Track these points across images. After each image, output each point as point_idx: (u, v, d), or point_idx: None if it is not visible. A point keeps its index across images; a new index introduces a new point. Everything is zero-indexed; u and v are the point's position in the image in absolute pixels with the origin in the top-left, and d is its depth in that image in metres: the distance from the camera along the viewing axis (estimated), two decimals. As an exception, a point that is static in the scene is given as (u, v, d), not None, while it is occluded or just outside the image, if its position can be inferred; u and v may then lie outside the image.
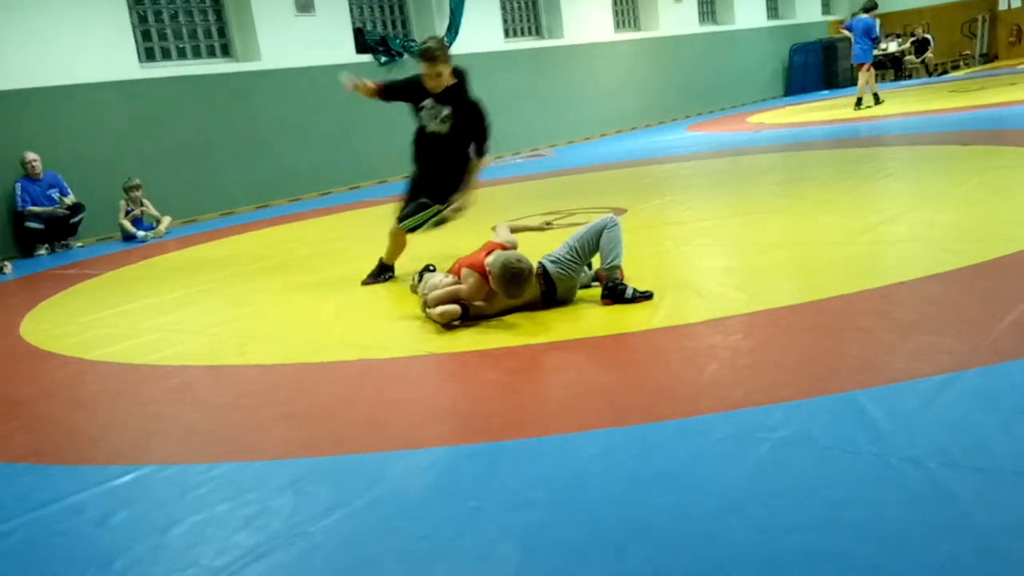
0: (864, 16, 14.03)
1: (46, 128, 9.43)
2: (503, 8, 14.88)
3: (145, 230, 9.54)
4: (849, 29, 14.25)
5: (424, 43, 5.19)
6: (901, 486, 2.09)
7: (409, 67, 13.08)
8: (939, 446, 2.25)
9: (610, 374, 3.27)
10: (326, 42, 12.05)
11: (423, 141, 5.37)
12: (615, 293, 4.08)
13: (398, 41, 13.08)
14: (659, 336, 3.59)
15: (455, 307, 4.03)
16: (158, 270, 7.37)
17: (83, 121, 9.73)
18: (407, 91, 5.36)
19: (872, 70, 13.93)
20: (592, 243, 4.19)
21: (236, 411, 3.38)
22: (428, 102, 5.23)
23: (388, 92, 5.41)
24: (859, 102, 13.53)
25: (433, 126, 5.25)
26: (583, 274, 4.32)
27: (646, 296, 4.07)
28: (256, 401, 3.47)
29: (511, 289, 3.98)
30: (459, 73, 5.32)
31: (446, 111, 5.19)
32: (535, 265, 4.09)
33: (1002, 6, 22.10)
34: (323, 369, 3.77)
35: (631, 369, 3.30)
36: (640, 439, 2.59)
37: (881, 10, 23.34)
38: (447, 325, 4.01)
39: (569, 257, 4.15)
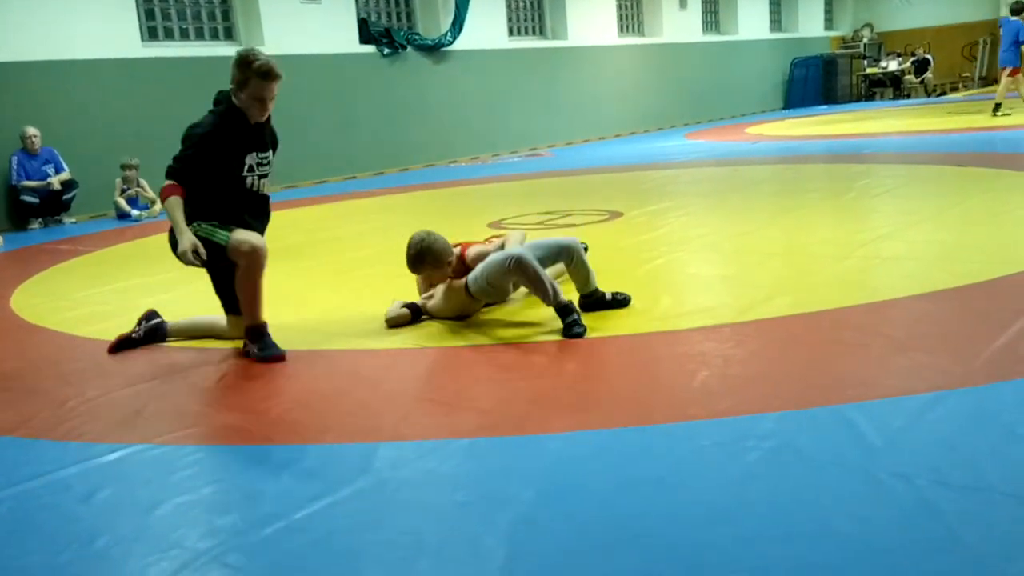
0: (1014, 19, 13.01)
1: (44, 102, 9.38)
2: (508, 6, 14.88)
3: (140, 210, 9.49)
4: (1002, 27, 13.27)
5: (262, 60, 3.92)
6: (890, 501, 2.09)
7: (411, 60, 13.09)
8: (929, 463, 2.26)
9: (601, 376, 3.27)
10: (330, 31, 12.03)
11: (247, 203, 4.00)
12: (593, 301, 4.00)
13: (402, 33, 13.06)
14: (652, 341, 3.60)
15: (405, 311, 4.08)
16: (151, 249, 7.32)
17: (82, 97, 9.68)
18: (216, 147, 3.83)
19: (1018, 76, 12.97)
20: (549, 258, 4.01)
21: (226, 393, 3.37)
22: (253, 155, 3.94)
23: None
24: (997, 107, 12.92)
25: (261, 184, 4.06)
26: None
27: (625, 299, 4.04)
28: (246, 384, 3.46)
29: (410, 265, 4.09)
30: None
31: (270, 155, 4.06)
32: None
33: (1004, 31, 22.20)
34: (314, 356, 3.76)
35: (622, 372, 3.30)
36: (630, 442, 2.59)
37: (883, 29, 23.56)
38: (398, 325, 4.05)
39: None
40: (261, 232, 4.00)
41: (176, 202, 3.74)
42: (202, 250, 3.67)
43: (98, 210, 9.67)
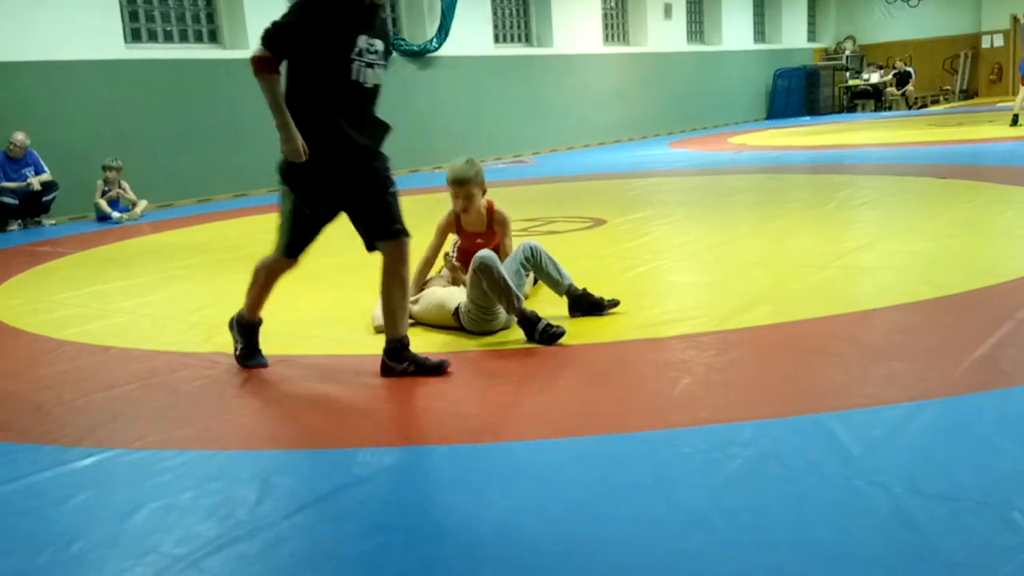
0: None
1: (25, 103, 9.31)
2: (494, 13, 14.91)
3: (121, 212, 9.42)
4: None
5: None
6: (867, 510, 2.10)
7: (396, 65, 13.01)
8: (906, 472, 2.27)
9: (583, 383, 3.27)
10: (315, 35, 11.99)
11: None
12: (584, 303, 4.04)
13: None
14: (633, 348, 3.60)
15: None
16: (131, 252, 7.29)
17: (63, 98, 9.62)
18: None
19: None
20: (514, 274, 3.93)
21: (205, 398, 3.35)
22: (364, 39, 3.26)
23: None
24: (1015, 119, 12.90)
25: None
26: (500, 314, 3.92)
27: (614, 304, 4.07)
28: (225, 390, 3.43)
29: (457, 174, 4.22)
30: None
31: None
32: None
33: (985, 44, 22.48)
34: (295, 362, 3.74)
35: (604, 379, 3.31)
36: (610, 449, 2.60)
37: (866, 41, 23.78)
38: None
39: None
40: (371, 146, 3.36)
41: (275, 81, 3.15)
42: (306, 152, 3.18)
43: (77, 212, 9.60)
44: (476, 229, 4.34)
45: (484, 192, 4.31)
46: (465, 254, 4.22)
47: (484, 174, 4.30)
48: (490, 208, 4.35)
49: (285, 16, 3.21)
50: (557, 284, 4.07)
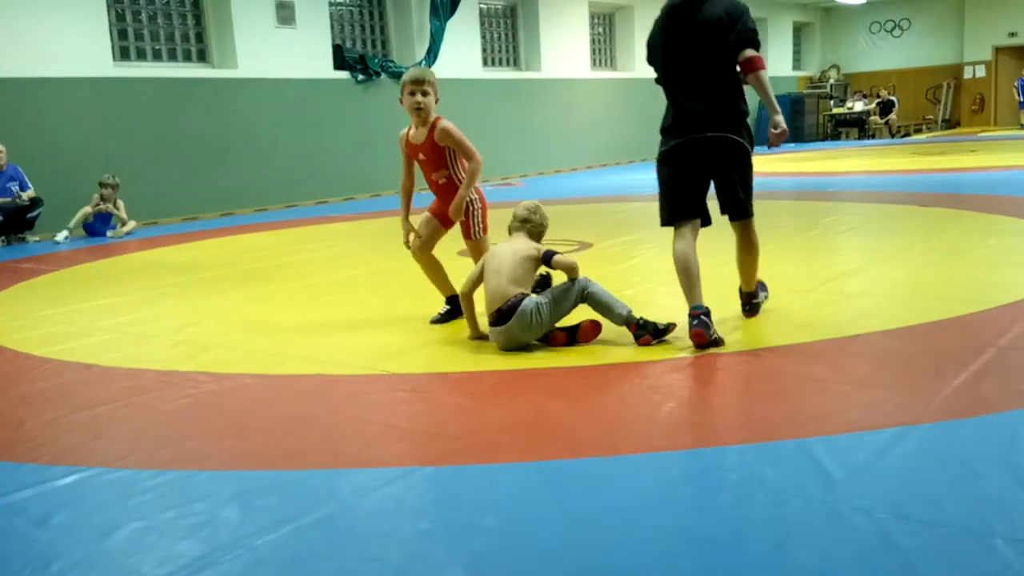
0: None
1: (12, 119, 9.28)
2: (483, 37, 15.01)
3: (109, 229, 9.39)
4: None
5: None
6: (850, 535, 2.11)
7: (385, 87, 13.12)
8: (889, 498, 2.28)
9: (568, 406, 3.27)
10: (304, 56, 12.04)
11: None
12: (648, 329, 3.90)
13: (376, 60, 13.11)
14: (619, 371, 3.61)
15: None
16: (117, 270, 7.25)
17: (51, 115, 9.60)
18: None
19: None
20: (569, 303, 3.96)
21: (187, 418, 3.33)
22: None
23: None
24: None
25: None
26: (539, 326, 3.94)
27: (672, 327, 3.95)
28: (208, 410, 3.41)
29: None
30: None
31: None
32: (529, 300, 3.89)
33: (967, 74, 22.79)
34: (279, 381, 3.73)
35: (589, 402, 3.31)
36: (594, 472, 2.59)
37: (850, 70, 24.06)
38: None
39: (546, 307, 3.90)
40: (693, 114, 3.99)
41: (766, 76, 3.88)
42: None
43: (62, 229, 9.53)
44: (417, 141, 4.34)
45: (437, 101, 4.36)
46: (409, 161, 4.49)
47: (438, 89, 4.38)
48: (435, 122, 4.32)
49: (752, 21, 3.85)
50: (615, 315, 3.94)
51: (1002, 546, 2.00)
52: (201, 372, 3.87)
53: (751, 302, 4.32)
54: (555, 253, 4.02)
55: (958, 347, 3.62)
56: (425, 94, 4.29)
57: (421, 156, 4.35)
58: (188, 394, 3.58)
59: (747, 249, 4.19)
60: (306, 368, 3.87)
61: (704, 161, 3.97)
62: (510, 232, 4.24)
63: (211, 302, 5.56)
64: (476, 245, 4.49)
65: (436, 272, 4.64)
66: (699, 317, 3.77)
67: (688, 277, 3.93)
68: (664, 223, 4.14)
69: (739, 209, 4.11)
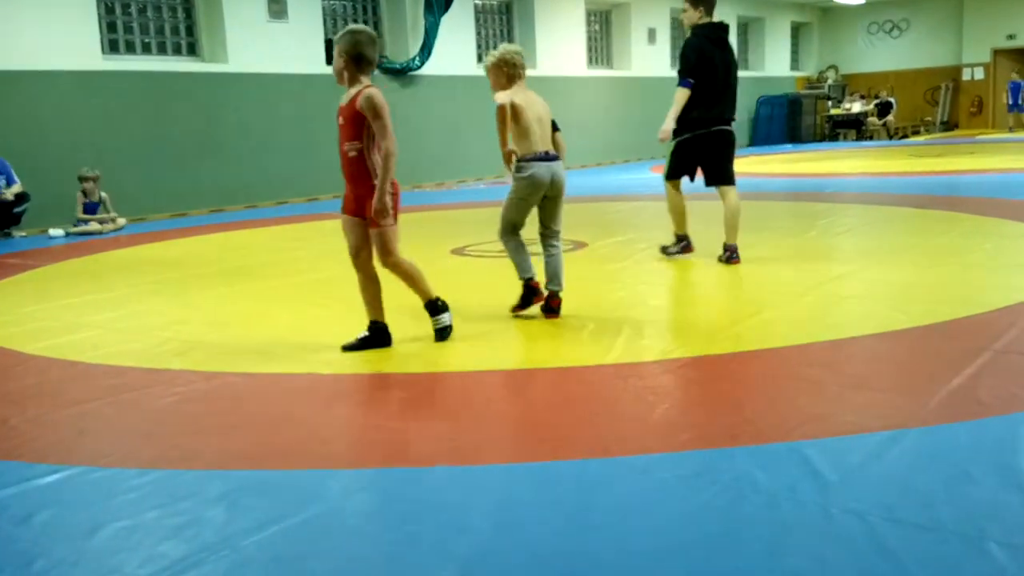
0: None
1: (-2, 112, 9.20)
2: (478, 33, 14.98)
3: (101, 224, 9.28)
4: None
5: None
6: (843, 538, 2.08)
7: (378, 82, 13.02)
8: (882, 501, 2.25)
9: (560, 407, 3.24)
10: (296, 50, 11.98)
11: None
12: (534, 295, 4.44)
13: (371, 56, 13.06)
14: (612, 372, 3.58)
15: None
16: (104, 266, 7.20)
17: (38, 108, 9.52)
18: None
19: None
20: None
21: (173, 416, 3.29)
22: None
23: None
24: None
25: None
26: None
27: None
28: (195, 408, 3.37)
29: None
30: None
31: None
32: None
33: (965, 76, 22.82)
34: (267, 380, 3.69)
35: (582, 403, 3.28)
36: (586, 473, 2.57)
37: (848, 71, 24.06)
38: None
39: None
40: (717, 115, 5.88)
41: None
42: None
43: (50, 224, 9.44)
44: (342, 103, 3.96)
45: (352, 68, 3.87)
46: None
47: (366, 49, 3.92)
48: (363, 88, 3.90)
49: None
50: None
51: (995, 550, 1.98)
52: (188, 370, 3.83)
53: (733, 252, 5.77)
54: (558, 128, 4.61)
55: (953, 350, 3.60)
56: (337, 56, 3.91)
57: (340, 120, 3.97)
58: (174, 392, 3.55)
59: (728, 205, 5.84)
60: (294, 367, 3.84)
61: (719, 143, 5.86)
62: (516, 80, 4.41)
63: (199, 299, 5.52)
64: (381, 234, 3.97)
65: (370, 290, 4.06)
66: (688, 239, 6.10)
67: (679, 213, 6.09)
68: (675, 176, 6.03)
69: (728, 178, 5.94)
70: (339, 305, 5.14)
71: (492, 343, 4.03)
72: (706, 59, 5.66)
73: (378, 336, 4.02)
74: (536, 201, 4.37)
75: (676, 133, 5.84)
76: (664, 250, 6.12)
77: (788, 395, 3.21)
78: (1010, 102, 21.01)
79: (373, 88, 3.90)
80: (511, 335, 4.23)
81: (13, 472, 2.76)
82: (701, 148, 5.80)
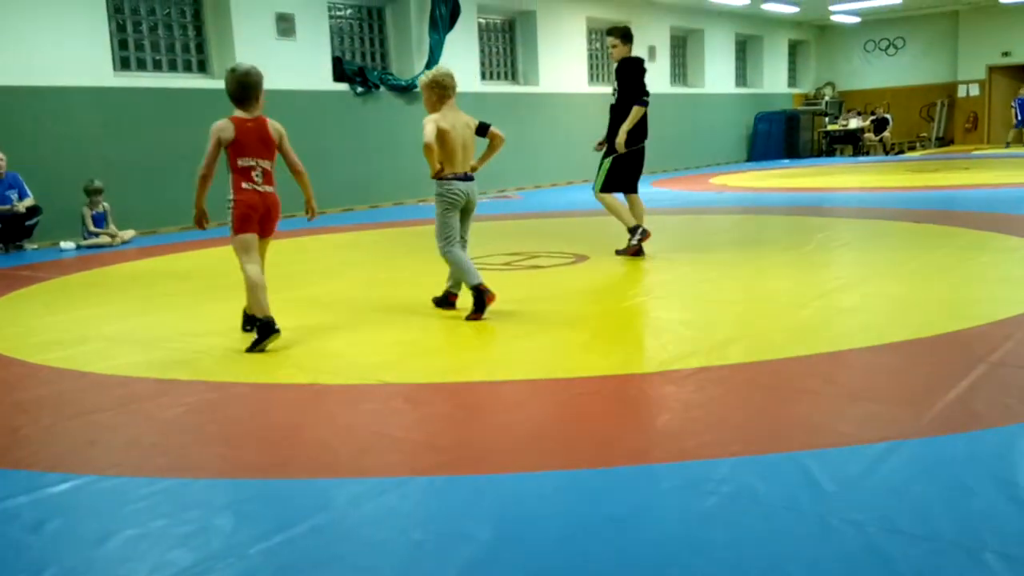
0: None
1: (12, 127, 9.28)
2: (482, 51, 15.07)
3: (110, 236, 9.37)
4: None
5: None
6: (841, 548, 2.12)
7: (383, 99, 13.17)
8: (880, 511, 2.29)
9: (563, 417, 3.29)
10: (304, 67, 12.06)
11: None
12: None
13: (376, 73, 13.16)
14: (613, 383, 3.62)
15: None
16: (114, 279, 7.25)
17: (51, 124, 9.60)
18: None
19: None
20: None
21: (182, 426, 3.33)
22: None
23: None
24: None
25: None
26: None
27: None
28: (203, 418, 3.42)
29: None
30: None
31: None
32: None
33: (961, 93, 22.92)
34: (274, 390, 3.73)
35: (584, 413, 3.32)
36: (588, 484, 2.60)
37: (845, 88, 24.17)
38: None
39: None
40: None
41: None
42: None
43: (61, 237, 9.52)
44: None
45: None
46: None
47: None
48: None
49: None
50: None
51: (992, 560, 2.02)
52: (197, 380, 3.88)
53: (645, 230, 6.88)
54: (489, 125, 5.10)
55: (950, 362, 3.64)
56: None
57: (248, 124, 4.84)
58: (183, 402, 3.59)
59: (639, 206, 7.01)
60: (301, 377, 3.88)
61: (641, 158, 7.09)
62: (446, 99, 5.07)
63: (207, 311, 5.57)
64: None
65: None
66: (644, 230, 6.89)
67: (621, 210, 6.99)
68: (610, 191, 7.06)
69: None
70: (345, 316, 5.19)
71: (494, 352, 4.07)
72: (644, 85, 6.98)
73: (264, 329, 4.42)
74: (456, 213, 4.97)
75: (612, 150, 6.91)
76: (621, 252, 6.89)
77: (787, 406, 3.25)
78: (1019, 118, 21.06)
79: (221, 120, 4.79)
80: (510, 347, 4.27)
81: (25, 481, 2.80)
82: (632, 163, 6.97)
